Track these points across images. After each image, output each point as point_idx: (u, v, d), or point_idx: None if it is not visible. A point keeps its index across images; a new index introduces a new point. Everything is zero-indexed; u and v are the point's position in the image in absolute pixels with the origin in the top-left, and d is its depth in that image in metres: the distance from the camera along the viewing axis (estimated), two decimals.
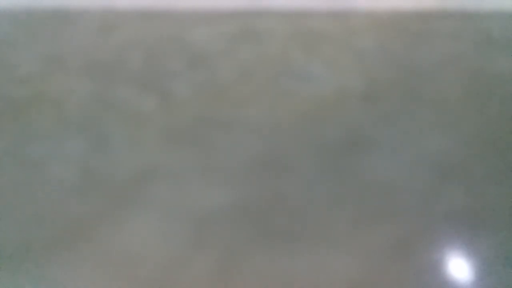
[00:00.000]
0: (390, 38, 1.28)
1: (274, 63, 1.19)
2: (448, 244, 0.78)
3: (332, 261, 0.76)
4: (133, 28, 1.32)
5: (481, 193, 0.86)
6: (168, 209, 0.84)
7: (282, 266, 0.76)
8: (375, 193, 0.87)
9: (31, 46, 1.25)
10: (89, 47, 1.25)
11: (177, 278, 0.74)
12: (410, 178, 0.89)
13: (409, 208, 0.84)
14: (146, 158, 0.93)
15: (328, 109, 1.05)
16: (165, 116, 1.03)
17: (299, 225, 0.81)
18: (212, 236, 0.80)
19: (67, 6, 1.42)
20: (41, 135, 0.99)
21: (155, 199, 0.86)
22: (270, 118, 1.03)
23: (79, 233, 0.80)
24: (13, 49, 1.24)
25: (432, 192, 0.87)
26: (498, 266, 0.75)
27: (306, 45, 1.25)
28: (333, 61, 1.19)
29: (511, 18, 1.36)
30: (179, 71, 1.16)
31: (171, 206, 0.85)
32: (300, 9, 1.40)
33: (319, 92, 1.10)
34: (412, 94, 1.09)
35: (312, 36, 1.29)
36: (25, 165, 0.92)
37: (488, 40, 1.27)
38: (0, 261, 0.76)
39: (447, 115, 1.03)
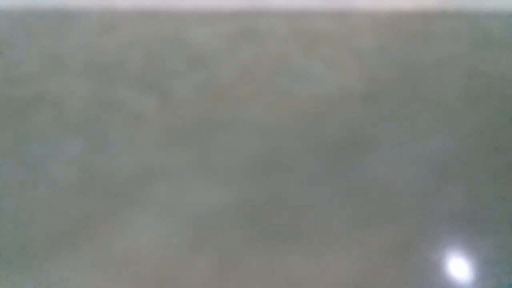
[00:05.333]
0: (390, 38, 1.28)
1: (274, 63, 1.19)
2: (448, 244, 0.78)
3: (332, 261, 0.76)
4: (133, 28, 1.32)
5: (481, 193, 0.86)
6: (168, 209, 0.84)
7: (282, 266, 0.76)
8: (375, 193, 0.87)
9: (31, 46, 1.25)
10: (89, 47, 1.25)
11: (177, 278, 0.74)
12: (410, 178, 0.89)
13: (409, 208, 0.84)
14: (146, 158, 0.93)
15: (328, 109, 1.05)
16: (165, 116, 1.03)
17: (299, 225, 0.81)
18: (212, 236, 0.80)
19: (67, 6, 1.42)
20: (41, 135, 0.99)
21: (155, 199, 0.86)
22: (270, 118, 1.03)
23: (79, 233, 0.80)
24: (13, 49, 1.24)
25: (432, 192, 0.87)
26: (498, 266, 0.75)
27: (306, 45, 1.25)
28: (333, 61, 1.19)
29: (511, 18, 1.36)
30: (179, 71, 1.16)
31: (171, 206, 0.85)
32: (300, 9, 1.40)
33: (319, 92, 1.10)
34: (412, 94, 1.09)
35: (312, 36, 1.29)
36: (25, 165, 0.92)
37: (488, 40, 1.27)
38: (0, 261, 0.76)
39: (447, 114, 1.03)
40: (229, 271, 0.75)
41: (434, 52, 1.22)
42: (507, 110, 1.04)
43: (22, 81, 1.13)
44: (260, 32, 1.30)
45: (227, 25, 1.33)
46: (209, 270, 0.75)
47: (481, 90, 1.10)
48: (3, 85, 1.12)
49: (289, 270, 0.75)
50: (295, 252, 0.77)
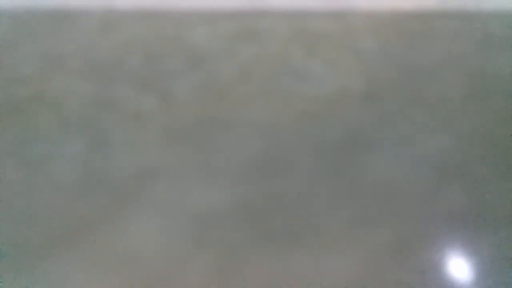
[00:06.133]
0: (390, 38, 1.28)
1: (274, 63, 1.19)
2: (448, 244, 0.78)
3: (332, 260, 0.76)
4: (133, 28, 1.32)
5: (481, 193, 0.86)
6: (168, 209, 0.84)
7: (282, 265, 0.76)
8: (375, 193, 0.87)
9: (31, 46, 1.25)
10: (89, 47, 1.25)
11: (177, 278, 0.74)
12: (410, 178, 0.89)
13: (409, 208, 0.84)
14: (146, 158, 0.93)
15: (328, 109, 1.05)
16: (165, 116, 1.03)
17: (299, 225, 0.81)
18: (212, 235, 0.80)
19: (67, 6, 1.42)
20: (41, 135, 0.99)
21: (155, 199, 0.86)
22: (270, 118, 1.03)
23: (79, 233, 0.80)
24: (13, 49, 1.24)
25: (432, 192, 0.87)
26: (498, 266, 0.75)
27: (306, 45, 1.25)
28: (333, 61, 1.19)
29: (511, 18, 1.36)
30: (179, 71, 1.16)
31: (171, 206, 0.85)
32: (300, 9, 1.40)
33: (319, 92, 1.10)
34: (412, 94, 1.09)
35: (312, 36, 1.29)
36: (25, 165, 0.92)
37: (488, 40, 1.27)
38: (0, 261, 0.76)
39: (447, 114, 1.03)
40: (230, 271, 0.75)
41: (434, 52, 1.22)
42: (507, 110, 1.05)
43: (22, 81, 1.13)
44: (260, 32, 1.30)
45: (227, 25, 1.33)
46: (210, 270, 0.75)
47: (481, 90, 1.10)
48: (3, 85, 1.12)
49: (289, 270, 0.75)
50: (295, 252, 0.77)
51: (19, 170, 0.91)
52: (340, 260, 0.76)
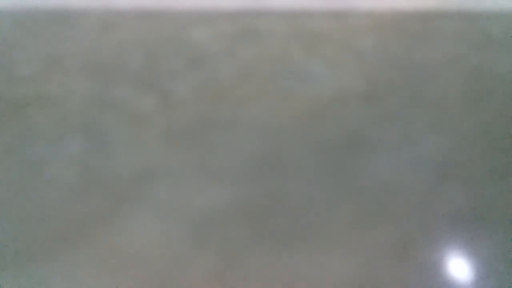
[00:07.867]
0: (390, 38, 1.28)
1: (274, 63, 1.19)
2: (448, 244, 0.78)
3: (332, 261, 0.76)
4: (133, 28, 1.32)
5: (481, 193, 0.86)
6: (168, 209, 0.84)
7: (282, 266, 0.76)
8: (375, 193, 0.87)
9: (31, 46, 1.25)
10: (89, 47, 1.25)
11: (177, 278, 0.74)
12: (410, 178, 0.89)
13: (409, 208, 0.84)
14: (146, 158, 0.93)
15: (328, 109, 1.05)
16: (165, 116, 1.03)
17: (299, 225, 0.81)
18: (212, 236, 0.80)
19: (67, 6, 1.42)
20: (41, 135, 0.99)
21: (155, 199, 0.86)
22: (270, 118, 1.03)
23: (79, 233, 0.80)
24: (13, 49, 1.24)
25: (432, 192, 0.87)
26: (498, 266, 0.75)
27: (306, 45, 1.25)
28: (333, 61, 1.19)
29: (511, 18, 1.36)
30: (179, 71, 1.16)
31: (171, 206, 0.85)
32: (300, 9, 1.40)
33: (319, 92, 1.10)
34: (412, 94, 1.09)
35: (312, 36, 1.29)
36: (25, 165, 0.92)
37: (488, 40, 1.27)
38: (0, 261, 0.76)
39: (447, 114, 1.03)
40: (229, 271, 0.75)
41: (434, 52, 1.22)
42: (507, 110, 1.05)
43: (22, 81, 1.13)
44: (260, 32, 1.30)
45: (227, 25, 1.33)
46: (209, 270, 0.75)
47: (481, 90, 1.10)
48: (3, 85, 1.12)
49: (289, 270, 0.75)
50: (295, 252, 0.77)
51: (19, 170, 0.91)
52: (340, 260, 0.76)
